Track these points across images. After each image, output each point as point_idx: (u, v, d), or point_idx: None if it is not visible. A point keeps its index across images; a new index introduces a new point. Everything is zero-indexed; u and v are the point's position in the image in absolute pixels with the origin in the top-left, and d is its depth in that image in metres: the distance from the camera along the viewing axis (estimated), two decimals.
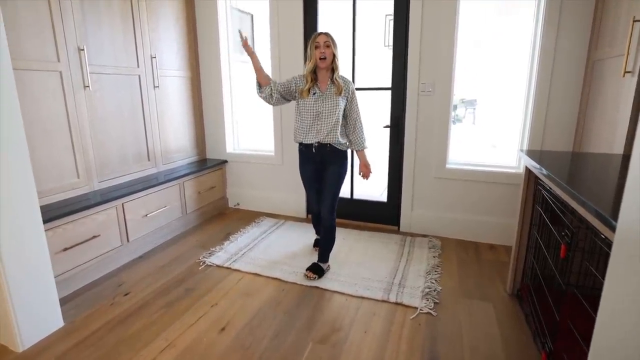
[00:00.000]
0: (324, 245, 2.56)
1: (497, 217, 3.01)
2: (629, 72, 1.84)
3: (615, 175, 1.57)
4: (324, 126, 2.33)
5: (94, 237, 2.44)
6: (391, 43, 3.11)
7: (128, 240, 2.74)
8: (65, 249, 2.25)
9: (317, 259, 2.58)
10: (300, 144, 2.45)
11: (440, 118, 3.01)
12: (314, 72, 2.30)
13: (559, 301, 1.56)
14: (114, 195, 2.59)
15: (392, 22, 3.10)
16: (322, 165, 2.44)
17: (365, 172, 2.51)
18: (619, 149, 1.93)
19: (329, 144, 2.37)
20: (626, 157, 1.75)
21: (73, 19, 2.39)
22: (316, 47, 2.24)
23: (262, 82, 2.39)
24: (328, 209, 2.45)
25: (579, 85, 2.60)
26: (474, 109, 8.65)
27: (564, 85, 2.65)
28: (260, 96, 2.41)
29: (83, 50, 2.43)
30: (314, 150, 2.39)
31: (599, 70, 2.34)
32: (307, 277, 2.47)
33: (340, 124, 2.36)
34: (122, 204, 2.66)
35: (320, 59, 2.22)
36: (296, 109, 2.42)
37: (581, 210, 1.24)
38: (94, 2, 2.54)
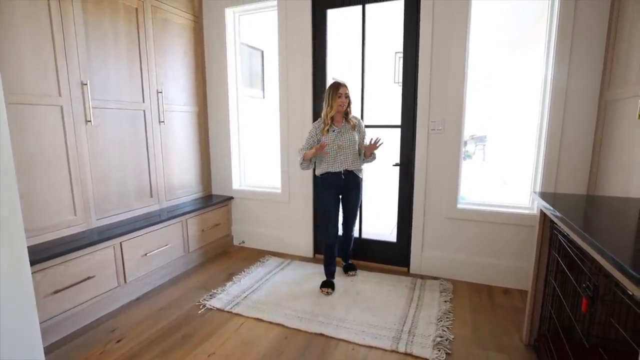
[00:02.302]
0: (348, 250, 3.09)
1: (511, 259, 2.87)
2: None
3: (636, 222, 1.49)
4: (348, 156, 2.70)
5: (88, 278, 2.31)
6: (401, 80, 3.08)
7: (125, 282, 2.60)
8: (56, 292, 2.11)
9: (344, 265, 3.10)
10: (326, 173, 2.72)
11: (451, 157, 2.92)
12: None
13: (582, 357, 1.44)
14: (112, 234, 2.47)
15: (402, 60, 3.08)
16: (344, 190, 2.78)
17: (372, 147, 2.71)
18: (636, 192, 1.86)
19: (352, 171, 2.74)
20: None
21: (77, 54, 2.37)
22: (339, 97, 2.62)
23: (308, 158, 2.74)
24: (352, 225, 2.94)
25: (592, 126, 2.53)
26: (484, 145, 8.62)
27: (577, 125, 2.58)
28: (302, 167, 2.78)
29: (86, 84, 2.40)
30: (342, 177, 2.72)
31: (613, 111, 2.29)
32: (350, 275, 3.04)
33: (357, 154, 2.74)
34: (120, 243, 2.53)
35: (342, 106, 2.64)
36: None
37: (606, 265, 1.14)
38: (101, 37, 2.53)
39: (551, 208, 1.66)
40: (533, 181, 2.85)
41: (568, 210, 1.67)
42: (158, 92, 3.02)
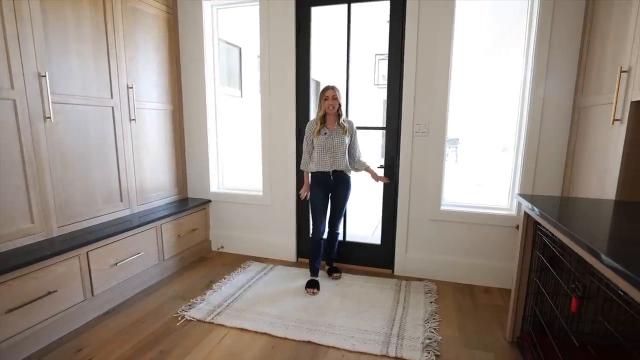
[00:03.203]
0: (335, 252, 3.09)
1: (491, 259, 2.92)
2: (617, 119, 1.88)
3: (621, 223, 1.57)
4: (337, 158, 2.76)
5: (49, 293, 2.06)
6: (380, 82, 3.02)
7: (93, 295, 2.36)
8: (10, 311, 1.86)
9: (329, 268, 3.10)
10: (317, 171, 2.79)
11: (435, 159, 2.93)
12: (323, 116, 2.74)
13: (568, 353, 1.50)
14: (76, 243, 2.23)
15: (381, 62, 3.03)
16: (333, 188, 2.83)
17: (382, 179, 2.96)
18: (609, 194, 1.92)
19: (342, 170, 2.80)
20: (619, 203, 1.81)
21: (33, 42, 2.11)
22: (325, 99, 2.68)
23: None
24: (338, 223, 2.98)
25: (567, 131, 2.62)
26: (456, 147, 8.81)
27: (552, 131, 2.65)
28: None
29: (44, 76, 2.15)
30: (331, 177, 2.78)
31: (586, 117, 2.38)
32: (334, 277, 3.00)
33: (347, 155, 2.80)
34: (87, 252, 2.30)
35: (330, 108, 2.69)
36: (312, 146, 2.82)
37: (591, 260, 1.19)
38: (61, 24, 2.28)
39: (539, 210, 1.70)
40: (512, 184, 2.89)
41: (554, 211, 1.74)
42: (128, 88, 2.78)
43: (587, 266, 1.28)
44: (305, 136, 2.83)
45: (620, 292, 1.04)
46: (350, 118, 2.89)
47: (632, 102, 1.77)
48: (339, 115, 2.76)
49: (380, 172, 3.04)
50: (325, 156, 2.74)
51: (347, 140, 2.77)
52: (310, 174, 2.86)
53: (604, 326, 1.20)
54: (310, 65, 3.12)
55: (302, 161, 2.87)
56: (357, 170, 2.90)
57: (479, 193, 5.98)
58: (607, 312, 1.28)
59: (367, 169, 2.91)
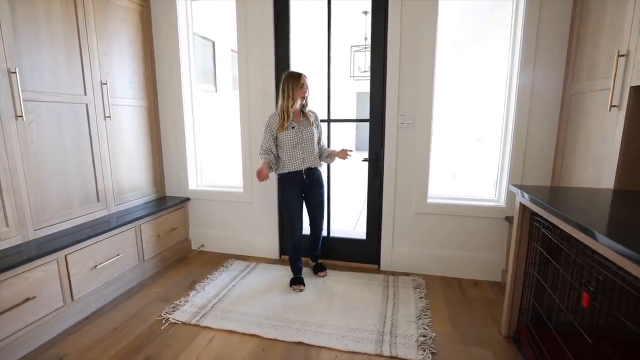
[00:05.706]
0: (317, 250, 2.99)
1: (479, 251, 2.91)
2: (615, 105, 1.80)
3: (621, 210, 1.51)
4: (308, 153, 2.59)
5: (27, 299, 1.97)
6: (356, 74, 3.00)
7: (72, 299, 2.27)
8: None
9: (314, 265, 3.03)
10: (287, 172, 2.60)
11: (421, 151, 2.89)
12: (287, 109, 2.51)
13: (571, 346, 1.46)
14: (54, 246, 2.14)
15: (357, 54, 3.01)
16: (307, 188, 2.68)
17: (344, 152, 2.67)
18: (606, 183, 1.86)
19: (315, 167, 2.66)
20: (617, 192, 1.75)
21: (1, 36, 1.98)
22: (301, 87, 2.49)
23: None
24: (320, 225, 2.85)
25: (556, 119, 2.58)
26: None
27: (541, 120, 2.62)
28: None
29: (15, 73, 2.03)
30: (303, 176, 2.61)
31: (578, 104, 2.31)
32: (320, 275, 2.92)
33: (316, 149, 2.67)
34: (65, 256, 2.20)
35: (303, 98, 2.52)
36: (275, 143, 2.60)
37: (603, 250, 1.13)
38: (31, 17, 2.16)
39: (540, 199, 1.64)
40: (499, 175, 2.90)
41: (556, 200, 1.67)
42: (102, 84, 2.67)
43: (596, 258, 1.25)
44: (265, 132, 2.59)
45: None
46: (331, 110, 2.83)
47: (631, 87, 1.69)
48: (303, 107, 2.58)
49: (364, 165, 3.02)
50: (296, 153, 2.56)
51: (316, 132, 2.62)
52: (281, 175, 2.67)
53: (609, 319, 1.19)
54: (290, 58, 3.06)
55: (263, 154, 2.60)
56: (326, 159, 2.71)
57: (456, 184, 6.11)
58: (620, 304, 1.28)
59: (330, 153, 2.70)
